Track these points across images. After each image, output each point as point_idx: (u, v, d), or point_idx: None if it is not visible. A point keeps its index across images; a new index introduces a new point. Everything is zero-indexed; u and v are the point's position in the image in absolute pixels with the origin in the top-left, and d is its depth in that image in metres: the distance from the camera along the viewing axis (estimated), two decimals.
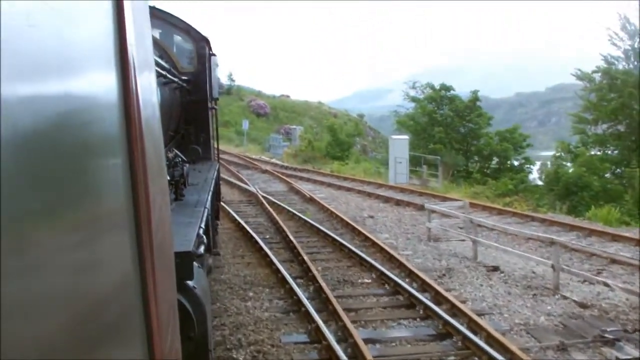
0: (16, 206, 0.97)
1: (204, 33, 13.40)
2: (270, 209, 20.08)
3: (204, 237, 5.98)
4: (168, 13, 12.97)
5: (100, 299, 1.38)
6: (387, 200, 23.25)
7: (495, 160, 43.54)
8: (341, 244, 15.07)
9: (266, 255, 14.01)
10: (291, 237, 15.48)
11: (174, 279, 2.40)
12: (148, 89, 1.97)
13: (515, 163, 43.23)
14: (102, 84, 1.56)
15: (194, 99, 12.78)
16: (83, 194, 1.31)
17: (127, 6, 1.76)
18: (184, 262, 4.53)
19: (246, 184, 26.88)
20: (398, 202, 22.59)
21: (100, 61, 1.55)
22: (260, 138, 64.26)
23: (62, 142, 1.21)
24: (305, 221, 18.23)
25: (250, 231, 16.38)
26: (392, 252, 14.22)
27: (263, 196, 22.92)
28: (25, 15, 1.06)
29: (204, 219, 6.57)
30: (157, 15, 12.22)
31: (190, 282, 4.79)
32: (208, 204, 7.69)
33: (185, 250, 4.72)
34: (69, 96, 1.27)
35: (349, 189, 26.24)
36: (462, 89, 48.40)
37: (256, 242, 15.30)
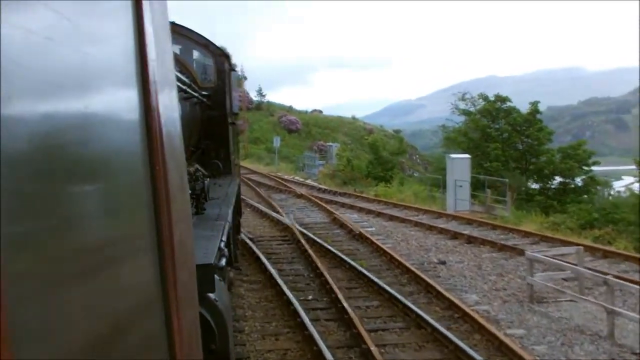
0: (38, 223, 0.98)
1: (223, 49, 13.80)
2: (310, 251, 15.57)
3: (226, 250, 6.19)
4: (188, 29, 13.23)
5: (124, 313, 1.40)
6: (455, 236, 18.53)
7: (556, 180, 38.34)
8: (417, 314, 10.49)
9: (311, 337, 9.48)
10: (343, 301, 10.98)
11: (196, 292, 2.31)
12: (169, 106, 1.97)
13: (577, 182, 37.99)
14: (124, 100, 1.57)
15: (213, 114, 12.92)
16: (105, 209, 1.32)
17: (148, 22, 1.73)
18: (205, 275, 4.60)
19: (279, 213, 22.38)
20: (470, 239, 17.87)
21: (121, 77, 1.57)
22: (292, 156, 60.13)
23: (83, 158, 1.22)
24: (358, 271, 13.67)
25: (286, 290, 11.84)
26: (495, 331, 9.66)
27: (300, 231, 18.45)
28: (46, 31, 1.06)
29: (225, 232, 6.77)
30: (177, 31, 12.44)
31: (211, 295, 4.86)
32: (229, 218, 7.80)
33: (207, 263, 4.83)
34: (90, 112, 1.27)
35: (403, 220, 21.51)
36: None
37: (295, 310, 10.78)
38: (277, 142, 50.07)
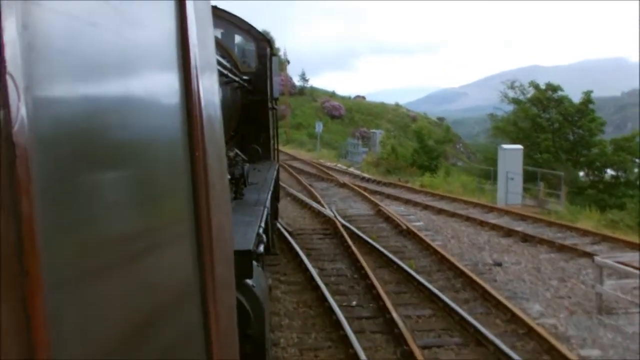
0: (77, 208, 0.98)
1: (265, 33, 14.17)
2: (354, 247, 14.47)
3: (264, 236, 6.20)
4: (229, 13, 13.13)
5: (161, 300, 1.40)
6: (509, 233, 17.18)
7: (607, 173, 36.44)
8: (475, 328, 9.31)
9: (355, 356, 8.38)
10: (392, 311, 9.86)
11: (234, 278, 2.27)
12: (210, 90, 1.95)
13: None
14: (164, 84, 1.58)
15: (254, 98, 12.87)
16: (145, 194, 1.33)
17: (190, 6, 1.71)
18: (243, 261, 4.58)
19: (320, 203, 21.28)
20: (525, 237, 16.52)
21: (162, 62, 1.57)
22: (335, 142, 58.93)
23: (123, 142, 1.22)
24: (407, 273, 12.51)
25: (327, 295, 10.75)
26: (567, 352, 8.45)
27: (343, 224, 17.34)
28: (87, 15, 1.06)
29: (264, 218, 6.73)
30: (219, 15, 12.35)
31: (249, 281, 4.86)
32: (268, 203, 7.85)
33: (245, 249, 4.83)
34: (131, 96, 1.29)
35: (452, 214, 20.17)
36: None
37: (337, 320, 9.68)
38: (319, 127, 48.92)
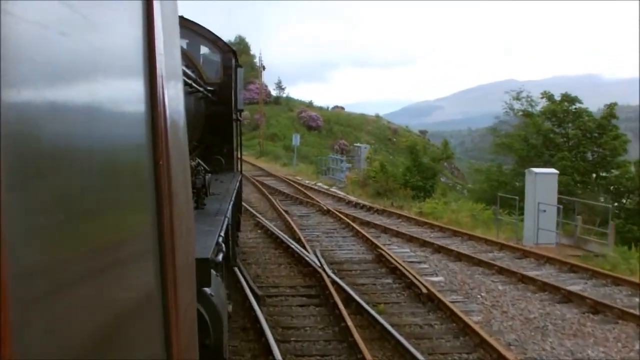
0: (41, 217, 0.97)
1: (231, 45, 14.80)
2: (354, 330, 9.31)
3: (223, 245, 6.10)
4: (196, 23, 13.12)
5: (122, 308, 1.37)
6: (568, 297, 11.93)
7: (630, 199, 31.46)
8: None
9: None
10: None
11: (195, 288, 2.29)
12: (175, 99, 1.97)
13: None
14: (130, 92, 1.56)
15: (218, 109, 12.79)
16: (108, 201, 1.31)
17: (157, 15, 1.72)
18: (201, 269, 4.41)
19: (300, 242, 16.01)
20: (595, 307, 11.42)
21: (128, 70, 1.55)
22: (312, 155, 53.80)
23: (89, 149, 1.21)
24: None
25: None
26: None
27: (333, 280, 12.14)
28: (57, 24, 1.07)
29: (224, 227, 6.67)
30: (185, 25, 12.18)
31: (207, 289, 4.79)
32: (229, 214, 7.71)
33: (203, 257, 4.73)
34: (96, 104, 1.27)
35: (477, 262, 14.73)
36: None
37: None
38: (296, 140, 43.51)
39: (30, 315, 0.90)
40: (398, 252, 15.62)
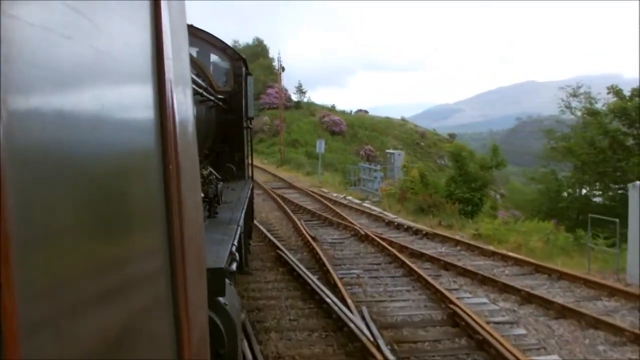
0: (48, 224, 0.95)
1: (240, 53, 14.59)
2: None
3: (237, 254, 6.00)
4: (205, 32, 13.19)
5: (133, 315, 1.34)
6: None
7: None
8: None
9: None
10: None
11: (206, 295, 2.24)
12: (184, 103, 1.92)
13: None
14: (138, 98, 1.52)
15: (229, 118, 12.89)
16: (117, 209, 1.27)
17: (165, 17, 1.67)
18: (216, 279, 4.47)
19: (337, 289, 11.61)
20: None
21: (136, 75, 1.52)
22: (337, 162, 49.44)
23: (96, 156, 1.18)
24: None
25: None
26: None
27: None
28: (62, 28, 1.04)
29: (237, 236, 6.60)
30: (195, 34, 12.41)
31: (221, 299, 4.72)
32: (241, 222, 7.68)
33: (218, 267, 4.71)
34: (105, 109, 1.22)
35: (593, 323, 10.24)
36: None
37: None
38: (320, 146, 38.89)
39: (36, 319, 0.87)
40: (474, 304, 11.18)
